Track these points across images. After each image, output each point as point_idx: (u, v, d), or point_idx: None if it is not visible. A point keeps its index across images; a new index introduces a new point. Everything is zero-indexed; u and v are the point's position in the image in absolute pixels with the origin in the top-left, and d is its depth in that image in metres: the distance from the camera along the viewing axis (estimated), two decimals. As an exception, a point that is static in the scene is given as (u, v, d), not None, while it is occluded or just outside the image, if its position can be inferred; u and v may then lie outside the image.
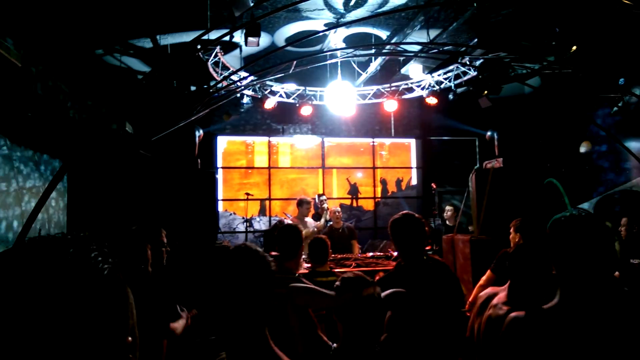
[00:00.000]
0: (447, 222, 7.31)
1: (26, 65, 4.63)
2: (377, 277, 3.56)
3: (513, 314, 1.49)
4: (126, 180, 6.65)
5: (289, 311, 2.02)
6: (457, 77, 7.84)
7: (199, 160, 6.35)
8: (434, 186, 8.03)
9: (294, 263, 2.94)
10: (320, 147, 10.25)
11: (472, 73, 7.63)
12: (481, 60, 7.23)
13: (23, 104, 4.82)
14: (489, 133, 7.25)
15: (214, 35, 5.55)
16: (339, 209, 6.59)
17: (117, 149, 6.13)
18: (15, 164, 5.98)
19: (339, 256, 6.06)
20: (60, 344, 0.62)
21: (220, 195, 9.51)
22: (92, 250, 0.69)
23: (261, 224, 9.86)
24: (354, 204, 10.19)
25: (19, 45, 4.48)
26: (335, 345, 1.92)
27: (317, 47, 7.55)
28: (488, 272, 3.69)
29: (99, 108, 6.60)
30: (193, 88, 7.21)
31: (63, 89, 5.98)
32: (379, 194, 10.47)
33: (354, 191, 10.38)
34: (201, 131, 6.71)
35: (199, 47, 5.94)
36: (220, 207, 9.53)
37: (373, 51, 7.35)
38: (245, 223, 8.61)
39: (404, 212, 2.68)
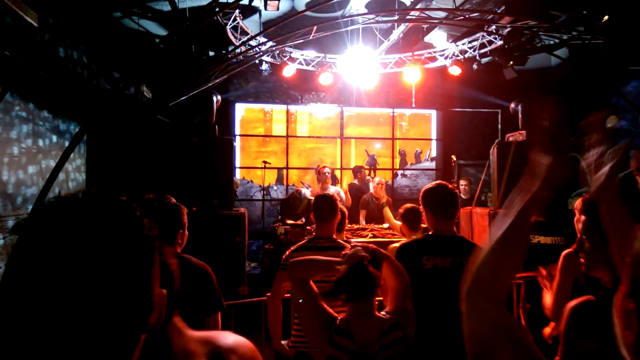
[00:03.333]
0: (462, 196, 7.22)
1: (43, 26, 4.59)
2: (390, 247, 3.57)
3: None
4: (144, 145, 6.67)
5: (291, 285, 2.02)
6: (482, 46, 7.57)
7: (216, 127, 6.32)
8: (454, 159, 7.88)
9: (330, 227, 2.96)
10: (339, 117, 10.12)
11: (498, 43, 7.36)
12: (508, 29, 6.95)
13: (40, 65, 4.80)
14: (512, 105, 7.03)
15: (232, -2, 5.43)
16: (382, 180, 6.65)
17: (135, 114, 6.13)
18: (34, 126, 6.03)
19: (355, 226, 6.08)
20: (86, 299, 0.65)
21: (237, 163, 9.52)
22: (137, 214, 0.75)
23: (278, 193, 9.87)
24: (372, 175, 10.11)
25: (35, 5, 4.43)
26: (340, 317, 1.91)
27: (338, 13, 7.34)
28: None
29: (117, 72, 6.58)
30: (211, 53, 7.11)
31: (81, 52, 5.95)
32: (397, 166, 10.35)
33: (372, 162, 10.28)
34: (219, 97, 6.64)
35: (217, 10, 5.81)
36: (238, 174, 9.55)
37: (396, 17, 7.11)
38: (262, 191, 8.63)
39: (438, 181, 2.75)
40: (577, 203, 2.22)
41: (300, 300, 1.96)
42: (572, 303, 1.61)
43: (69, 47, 5.59)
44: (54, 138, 6.54)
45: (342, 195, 6.66)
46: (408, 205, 3.94)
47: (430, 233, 2.67)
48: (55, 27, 5.00)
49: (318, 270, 2.02)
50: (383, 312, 1.91)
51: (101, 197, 0.74)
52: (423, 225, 3.71)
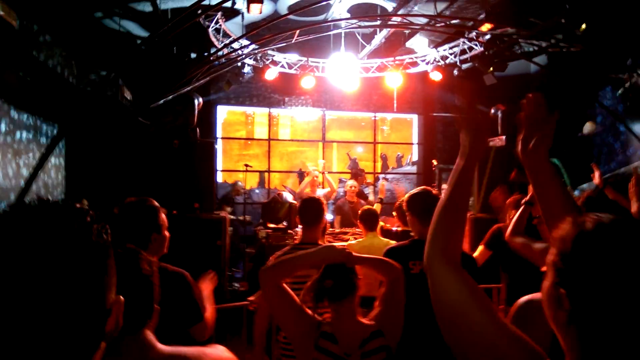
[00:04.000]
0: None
1: (23, 27, 4.50)
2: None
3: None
4: (124, 147, 6.58)
5: (266, 293, 1.98)
6: (462, 52, 7.69)
7: (198, 129, 6.27)
8: (435, 163, 7.97)
9: (316, 232, 2.93)
10: (321, 120, 10.14)
11: (478, 49, 7.48)
12: (488, 36, 7.08)
13: (19, 66, 4.70)
14: (492, 111, 7.16)
15: (215, 0, 5.40)
16: (355, 183, 6.72)
17: (115, 115, 6.04)
18: (12, 127, 5.90)
19: (337, 230, 6.09)
20: (36, 303, 0.66)
21: (219, 166, 9.46)
22: (87, 220, 0.75)
23: (260, 196, 9.84)
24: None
25: (15, 5, 4.34)
26: (323, 319, 1.91)
27: (321, 17, 7.37)
28: (482, 248, 3.68)
29: (97, 73, 6.48)
30: (193, 55, 7.05)
31: (61, 52, 5.85)
32: (379, 169, 10.42)
33: (353, 166, 10.32)
34: (201, 100, 6.60)
35: (199, 12, 5.78)
36: (220, 177, 9.49)
37: (378, 22, 7.17)
38: (243, 195, 8.59)
39: (422, 187, 2.78)
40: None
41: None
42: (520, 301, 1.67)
43: (49, 48, 5.49)
44: (33, 140, 6.40)
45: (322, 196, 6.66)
46: (365, 207, 4.28)
47: (416, 238, 2.69)
48: (36, 28, 4.90)
49: (290, 270, 1.99)
50: (367, 318, 1.91)
51: (51, 205, 0.75)
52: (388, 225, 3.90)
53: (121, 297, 0.80)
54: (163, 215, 2.38)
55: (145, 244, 2.20)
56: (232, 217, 7.38)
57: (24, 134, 6.21)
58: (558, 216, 1.14)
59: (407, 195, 2.78)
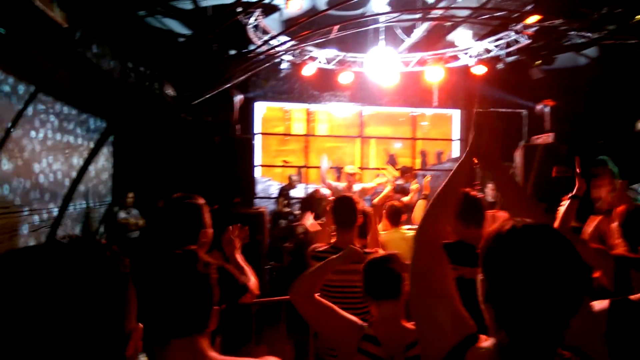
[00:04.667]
0: (488, 198, 7.08)
1: (72, 26, 4.65)
2: None
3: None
4: (168, 143, 6.73)
5: (300, 308, 2.01)
6: (508, 45, 7.43)
7: (237, 125, 6.34)
8: (477, 160, 7.74)
9: (351, 234, 2.85)
10: (359, 116, 10.06)
11: (525, 41, 7.20)
12: (535, 28, 6.80)
13: (69, 64, 4.87)
14: (539, 106, 6.89)
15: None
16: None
17: (159, 112, 6.18)
18: (63, 123, 6.14)
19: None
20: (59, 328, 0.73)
21: (257, 161, 9.55)
22: (104, 255, 0.81)
23: (297, 191, 9.87)
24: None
25: (63, 6, 4.49)
26: (364, 323, 1.90)
27: (360, 11, 7.28)
28: None
29: (141, 70, 6.64)
30: (232, 52, 7.13)
31: (107, 51, 6.02)
32: (417, 166, 10.25)
33: (391, 162, 10.20)
34: (241, 96, 6.66)
35: (240, 10, 5.81)
36: (258, 172, 9.58)
37: (418, 16, 7.02)
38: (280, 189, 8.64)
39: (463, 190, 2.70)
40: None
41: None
42: None
43: (95, 46, 5.66)
44: (82, 135, 6.66)
45: (367, 187, 6.54)
46: (391, 203, 4.26)
47: (458, 239, 2.60)
48: (83, 27, 5.06)
49: (316, 279, 2.02)
50: (412, 323, 1.87)
51: (77, 242, 0.82)
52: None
53: (140, 324, 0.86)
54: (207, 213, 2.41)
55: (194, 242, 2.23)
56: (287, 209, 7.40)
57: (75, 129, 6.46)
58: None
59: None
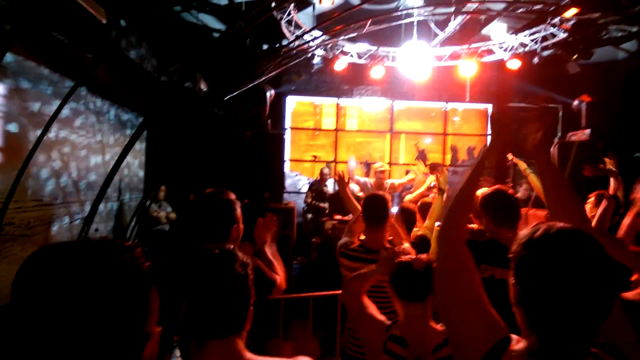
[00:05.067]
0: (519, 196, 6.95)
1: (110, 22, 4.78)
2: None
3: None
4: (200, 137, 6.85)
5: (345, 301, 2.05)
6: (544, 39, 7.23)
7: (269, 120, 6.40)
8: (510, 157, 7.59)
9: (381, 233, 2.83)
10: (389, 111, 9.99)
11: (562, 35, 7.00)
12: (572, 21, 6.60)
13: (107, 60, 5.01)
14: (575, 102, 6.69)
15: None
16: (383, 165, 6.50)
17: (192, 106, 6.30)
18: (99, 117, 6.33)
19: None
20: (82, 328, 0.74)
21: (287, 156, 9.61)
22: (129, 257, 0.81)
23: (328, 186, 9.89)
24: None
25: (103, 2, 4.62)
26: (391, 323, 1.91)
27: (393, 5, 7.21)
28: None
29: (176, 65, 6.77)
30: (265, 47, 7.18)
31: (144, 46, 6.17)
32: (448, 162, 10.13)
33: (422, 157, 10.10)
34: (272, 92, 6.72)
35: (273, 6, 5.85)
36: (288, 167, 9.65)
37: (453, 9, 6.90)
38: (309, 183, 8.68)
39: (497, 186, 2.64)
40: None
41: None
42: None
43: (133, 42, 5.81)
44: (118, 128, 6.84)
45: (396, 184, 6.50)
46: (423, 200, 4.04)
47: (490, 238, 2.56)
48: (122, 23, 5.20)
49: (366, 282, 2.06)
50: (441, 324, 1.87)
51: (100, 244, 0.82)
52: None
53: (159, 327, 0.86)
54: (239, 208, 2.43)
55: (225, 237, 2.27)
56: (315, 203, 7.41)
57: (110, 124, 6.65)
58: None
59: (481, 196, 2.63)
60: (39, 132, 4.45)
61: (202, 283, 1.24)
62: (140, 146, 7.80)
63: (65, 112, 5.30)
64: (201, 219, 2.36)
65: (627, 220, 2.48)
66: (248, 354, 1.23)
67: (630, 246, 2.15)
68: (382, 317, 1.93)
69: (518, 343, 1.09)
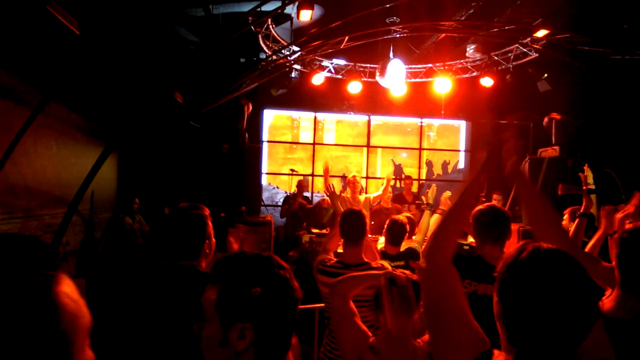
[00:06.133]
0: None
1: (84, 33, 4.71)
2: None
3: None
4: (176, 150, 6.77)
5: (332, 302, 2.03)
6: (516, 57, 7.45)
7: (246, 134, 6.38)
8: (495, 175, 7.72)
9: (359, 249, 2.81)
10: (366, 125, 10.09)
11: (533, 54, 7.22)
12: (544, 42, 6.82)
13: (80, 72, 4.93)
14: (546, 119, 6.88)
15: (266, 7, 5.47)
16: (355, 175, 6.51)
17: (167, 119, 6.23)
18: (72, 129, 6.20)
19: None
20: None
21: (264, 169, 9.58)
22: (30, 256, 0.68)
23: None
24: (398, 185, 10.04)
25: (76, 13, 4.55)
26: (372, 337, 1.90)
27: (370, 22, 7.31)
28: None
29: (151, 77, 6.70)
30: (242, 60, 7.18)
31: (117, 57, 6.08)
32: (423, 176, 10.25)
33: (398, 172, 10.21)
34: (250, 105, 6.71)
35: (251, 21, 5.87)
36: (264, 180, 9.60)
37: (429, 28, 7.05)
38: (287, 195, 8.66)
39: (489, 204, 2.66)
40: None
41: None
42: None
43: (107, 52, 5.72)
44: (91, 140, 6.70)
45: (371, 197, 6.50)
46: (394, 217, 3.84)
47: (476, 254, 2.58)
48: (94, 33, 5.12)
49: (357, 286, 2.03)
50: (420, 340, 1.87)
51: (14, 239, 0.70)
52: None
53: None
54: (210, 223, 2.40)
55: (197, 254, 2.24)
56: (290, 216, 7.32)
57: (81, 135, 6.51)
58: (543, 227, 1.45)
59: (475, 212, 2.65)
60: (6, 146, 4.33)
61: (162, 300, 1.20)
62: (113, 158, 7.65)
63: (36, 124, 5.17)
64: (173, 235, 2.33)
65: (594, 239, 2.56)
66: None
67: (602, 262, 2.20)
68: (364, 328, 1.92)
69: (499, 357, 1.11)
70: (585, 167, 3.38)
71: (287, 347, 1.12)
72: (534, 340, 1.02)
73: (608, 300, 1.70)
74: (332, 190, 3.81)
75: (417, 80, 8.49)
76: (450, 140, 10.47)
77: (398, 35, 6.98)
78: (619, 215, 3.31)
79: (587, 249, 2.50)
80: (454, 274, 1.30)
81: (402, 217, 3.87)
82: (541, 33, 6.43)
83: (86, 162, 6.33)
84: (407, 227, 3.70)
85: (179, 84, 6.72)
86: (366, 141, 10.11)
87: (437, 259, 1.32)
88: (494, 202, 2.79)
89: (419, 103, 9.69)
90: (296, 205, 7.38)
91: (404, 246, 3.68)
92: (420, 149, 10.26)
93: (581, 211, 2.83)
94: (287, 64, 7.34)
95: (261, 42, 6.73)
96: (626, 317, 1.60)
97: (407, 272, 1.95)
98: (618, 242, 1.69)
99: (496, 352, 1.14)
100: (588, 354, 1.13)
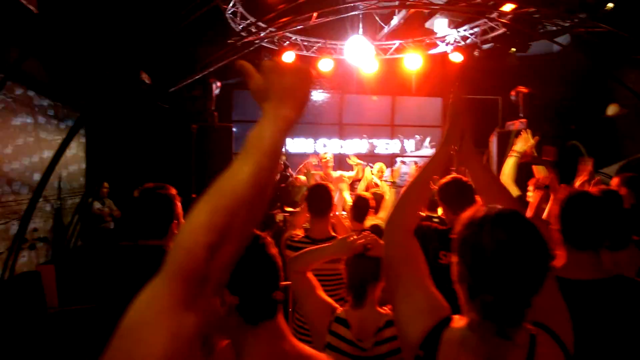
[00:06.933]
0: (465, 183, 7.19)
1: (43, 11, 4.54)
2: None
3: None
4: (144, 131, 6.65)
5: (291, 279, 2.03)
6: (484, 32, 7.51)
7: (215, 113, 6.30)
8: (454, 147, 7.84)
9: (326, 223, 2.84)
10: (338, 103, 10.07)
11: (500, 29, 7.30)
12: (510, 16, 6.89)
13: (39, 50, 4.77)
14: (513, 92, 7.01)
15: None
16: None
17: (134, 100, 6.10)
18: (34, 113, 6.02)
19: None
20: None
21: (236, 149, 9.49)
22: None
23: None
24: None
25: (34, -9, 4.38)
26: (340, 308, 1.94)
27: (339, -2, 7.25)
28: None
29: (116, 57, 6.53)
30: (210, 38, 7.03)
31: (80, 37, 5.89)
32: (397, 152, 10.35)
33: (370, 149, 10.28)
34: (218, 84, 6.61)
35: (217, -5, 5.74)
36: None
37: (397, 3, 7.03)
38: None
39: (453, 175, 2.71)
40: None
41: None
42: None
43: (67, 31, 5.53)
44: (55, 123, 6.52)
45: (346, 177, 6.53)
46: (358, 193, 3.87)
47: (448, 227, 2.60)
48: (54, 11, 4.94)
49: (314, 260, 2.04)
50: (386, 307, 1.92)
51: None
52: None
53: None
54: (179, 203, 2.37)
55: (164, 234, 2.21)
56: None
57: (46, 119, 6.33)
58: (489, 197, 1.47)
59: (438, 184, 2.70)
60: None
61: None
62: (80, 142, 7.48)
63: (-4, 106, 5.01)
64: (140, 215, 2.29)
65: (548, 206, 2.66)
66: (292, 337, 1.23)
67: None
68: (329, 300, 1.95)
69: (459, 321, 1.15)
70: (525, 132, 3.43)
71: (272, 307, 1.19)
72: (493, 294, 1.06)
73: (558, 263, 1.79)
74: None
75: (388, 57, 8.49)
76: (423, 116, 10.55)
77: (365, 11, 6.95)
78: (577, 183, 3.43)
79: (544, 216, 2.60)
80: (415, 244, 1.34)
81: (367, 193, 3.89)
82: (508, 7, 6.48)
83: (52, 146, 6.18)
84: (372, 202, 3.72)
85: (146, 64, 6.57)
86: (339, 119, 10.12)
87: (397, 230, 1.35)
88: (453, 174, 2.83)
89: (391, 80, 9.70)
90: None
91: (369, 222, 3.70)
92: (393, 125, 10.33)
93: (542, 183, 2.93)
94: (256, 42, 7.23)
95: (229, 20, 6.61)
96: (575, 277, 1.68)
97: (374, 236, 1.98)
98: (563, 205, 1.79)
99: (456, 317, 1.18)
100: (544, 316, 1.17)
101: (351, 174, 6.57)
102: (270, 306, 1.18)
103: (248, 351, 1.14)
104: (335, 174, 6.34)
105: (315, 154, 8.96)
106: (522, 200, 3.12)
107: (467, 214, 1.17)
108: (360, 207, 3.62)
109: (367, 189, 5.02)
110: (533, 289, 1.08)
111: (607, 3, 5.98)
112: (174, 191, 2.39)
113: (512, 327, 1.07)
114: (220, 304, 1.10)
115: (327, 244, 2.12)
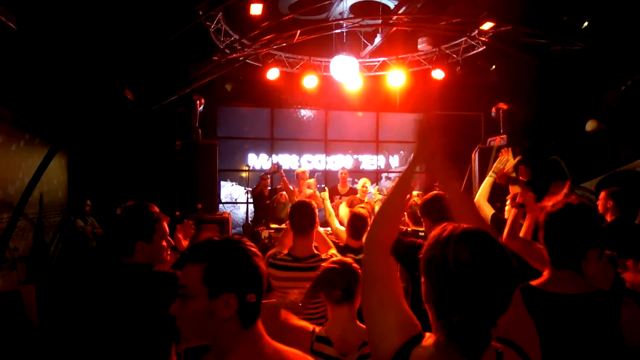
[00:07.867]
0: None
1: (22, 29, 4.51)
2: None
3: None
4: (127, 148, 6.59)
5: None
6: (465, 50, 7.67)
7: (200, 130, 6.28)
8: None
9: (309, 240, 2.82)
10: (324, 119, 10.13)
11: (481, 47, 7.45)
12: (490, 34, 7.05)
13: (20, 69, 4.73)
14: (494, 109, 7.13)
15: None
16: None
17: (118, 117, 6.06)
18: (15, 129, 5.93)
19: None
20: None
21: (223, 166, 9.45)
22: None
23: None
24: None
25: (15, 8, 4.36)
26: (317, 329, 1.93)
27: (323, 16, 7.35)
28: None
29: (99, 74, 6.49)
30: (195, 56, 7.05)
31: (61, 52, 5.86)
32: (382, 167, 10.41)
33: (356, 164, 10.33)
34: (202, 101, 6.61)
35: (201, 14, 5.78)
36: (224, 177, 9.49)
37: (380, 21, 7.15)
38: (246, 194, 8.59)
39: (435, 192, 2.79)
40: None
41: None
42: None
43: (49, 48, 5.50)
44: (36, 141, 6.43)
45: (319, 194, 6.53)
46: (355, 210, 3.87)
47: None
48: (34, 29, 4.91)
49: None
50: None
51: None
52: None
53: None
54: (162, 224, 2.28)
55: (130, 252, 2.13)
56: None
57: (27, 136, 6.24)
58: (461, 212, 1.48)
59: (421, 200, 2.76)
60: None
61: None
62: (62, 159, 7.38)
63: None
64: (119, 233, 2.25)
65: (525, 225, 2.68)
66: (269, 338, 1.29)
67: (536, 244, 2.31)
68: (303, 323, 1.95)
69: (429, 339, 1.15)
70: (505, 150, 3.48)
71: (259, 312, 1.27)
72: (458, 314, 1.06)
73: (542, 278, 1.80)
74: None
75: (371, 74, 8.59)
76: (406, 132, 10.63)
77: (349, 29, 7.05)
78: (549, 204, 3.47)
79: (521, 234, 2.62)
80: (390, 262, 1.35)
81: (363, 210, 3.89)
82: (487, 26, 6.64)
83: (33, 164, 6.09)
84: (369, 220, 3.73)
85: (130, 81, 6.54)
86: (323, 135, 10.17)
87: (374, 247, 1.36)
88: (435, 190, 2.89)
89: (375, 97, 9.79)
90: (265, 190, 7.28)
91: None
92: (378, 141, 10.41)
93: (517, 202, 2.96)
94: (240, 59, 7.26)
95: (213, 37, 6.64)
96: (556, 291, 1.69)
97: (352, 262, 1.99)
98: (542, 225, 1.80)
99: (427, 334, 1.18)
100: (510, 331, 1.17)
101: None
102: (259, 311, 1.26)
103: (237, 352, 1.20)
104: (309, 191, 6.30)
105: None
106: (498, 217, 3.16)
107: (433, 232, 1.18)
108: (358, 227, 3.58)
109: (352, 205, 5.04)
110: (499, 308, 1.08)
111: (584, 21, 6.16)
112: (155, 209, 2.35)
113: (478, 348, 1.07)
114: (223, 308, 1.16)
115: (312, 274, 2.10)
